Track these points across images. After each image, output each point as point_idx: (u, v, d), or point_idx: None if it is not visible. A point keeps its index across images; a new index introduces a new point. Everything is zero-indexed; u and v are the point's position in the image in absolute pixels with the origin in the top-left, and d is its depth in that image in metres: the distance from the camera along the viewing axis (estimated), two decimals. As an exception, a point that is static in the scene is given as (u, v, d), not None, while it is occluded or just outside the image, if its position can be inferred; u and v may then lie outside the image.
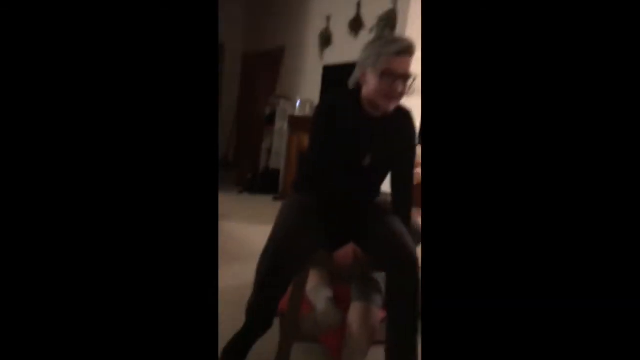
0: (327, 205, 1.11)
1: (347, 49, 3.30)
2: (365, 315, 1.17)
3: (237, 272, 1.91)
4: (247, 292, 1.09)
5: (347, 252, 1.10)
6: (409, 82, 1.03)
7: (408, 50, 1.00)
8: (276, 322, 1.15)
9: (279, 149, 4.00)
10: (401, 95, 1.05)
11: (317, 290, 1.22)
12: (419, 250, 1.10)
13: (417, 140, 1.24)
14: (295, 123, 3.62)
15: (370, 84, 1.05)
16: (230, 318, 1.20)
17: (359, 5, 3.22)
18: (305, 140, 3.23)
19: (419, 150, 3.34)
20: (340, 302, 1.40)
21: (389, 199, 1.26)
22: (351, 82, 1.15)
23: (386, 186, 1.27)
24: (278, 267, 1.00)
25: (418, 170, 2.97)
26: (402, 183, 1.23)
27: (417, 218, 1.40)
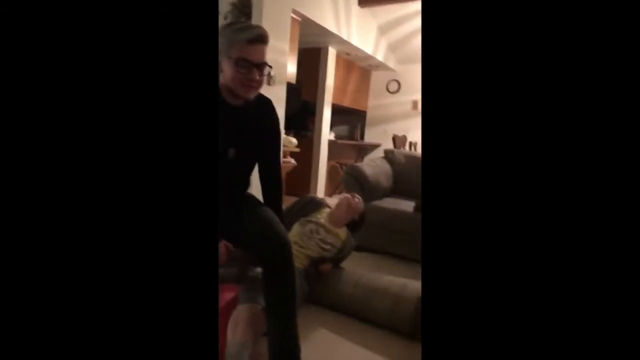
0: None
1: (202, 35, 3.11)
2: (249, 314, 1.14)
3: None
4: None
5: (218, 251, 1.04)
6: (266, 70, 1.02)
7: (261, 38, 0.98)
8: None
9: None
10: (259, 83, 1.03)
11: None
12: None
13: (281, 128, 1.25)
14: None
15: (227, 72, 1.00)
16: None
17: (211, -11, 3.05)
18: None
19: (294, 140, 3.35)
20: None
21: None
22: (206, 70, 1.07)
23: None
24: None
25: (286, 160, 3.04)
26: (269, 172, 1.22)
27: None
